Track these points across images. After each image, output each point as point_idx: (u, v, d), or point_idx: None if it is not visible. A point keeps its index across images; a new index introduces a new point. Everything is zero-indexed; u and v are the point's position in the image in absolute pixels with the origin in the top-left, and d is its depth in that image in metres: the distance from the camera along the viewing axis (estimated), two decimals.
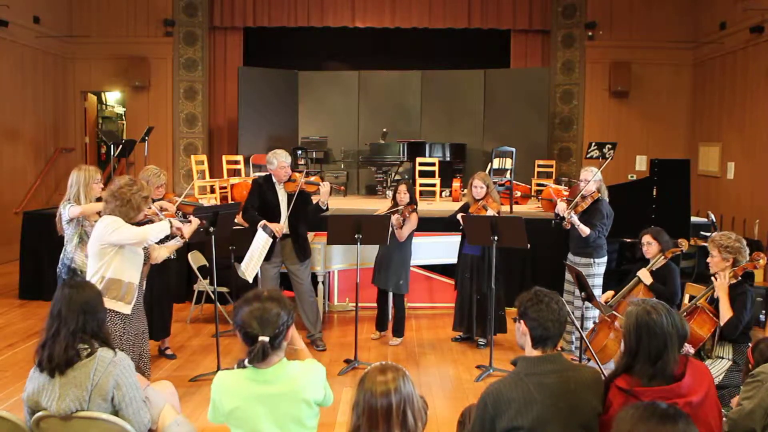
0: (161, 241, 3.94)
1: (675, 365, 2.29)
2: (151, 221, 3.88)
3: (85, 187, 4.56)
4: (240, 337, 2.31)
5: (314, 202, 5.42)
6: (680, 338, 2.33)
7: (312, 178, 5.65)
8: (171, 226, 3.83)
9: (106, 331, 2.73)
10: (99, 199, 4.50)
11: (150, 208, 3.95)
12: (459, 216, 5.42)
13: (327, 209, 5.41)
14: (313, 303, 5.62)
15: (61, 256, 4.61)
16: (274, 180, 5.38)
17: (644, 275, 4.63)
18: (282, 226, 5.29)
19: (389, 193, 5.76)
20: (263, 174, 5.69)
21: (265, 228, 5.06)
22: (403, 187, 5.65)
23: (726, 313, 3.78)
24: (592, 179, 5.26)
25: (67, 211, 4.53)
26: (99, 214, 4.13)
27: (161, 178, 5.00)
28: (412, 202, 5.63)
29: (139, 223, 3.77)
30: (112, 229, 3.54)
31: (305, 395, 2.30)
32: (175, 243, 4.13)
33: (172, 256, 5.09)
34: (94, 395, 2.53)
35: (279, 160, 5.30)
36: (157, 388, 3.12)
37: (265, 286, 5.42)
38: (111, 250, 3.59)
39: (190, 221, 4.15)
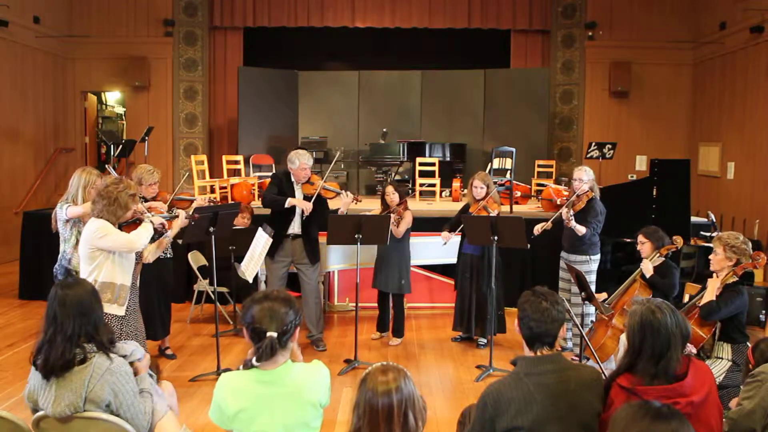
0: (150, 240, 3.93)
1: (677, 365, 2.30)
2: (140, 220, 3.86)
3: (83, 189, 4.51)
4: (247, 335, 2.30)
5: (332, 209, 5.46)
6: (683, 338, 2.34)
7: (331, 185, 5.66)
8: (152, 224, 3.79)
9: (105, 330, 2.64)
10: None
11: (138, 206, 3.91)
12: (443, 234, 5.56)
13: None
14: (318, 304, 5.66)
15: (59, 256, 4.58)
16: (293, 179, 5.39)
17: (646, 267, 4.58)
18: (309, 205, 5.23)
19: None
20: (282, 169, 5.67)
21: (265, 228, 5.07)
22: (390, 189, 5.61)
23: (709, 296, 3.80)
24: (586, 178, 5.30)
25: (64, 212, 4.50)
26: None
27: (154, 176, 4.96)
28: (404, 199, 5.62)
29: (129, 223, 3.75)
30: (101, 234, 3.55)
31: (311, 397, 2.30)
32: (165, 239, 4.12)
33: (168, 255, 5.11)
34: (87, 403, 2.50)
35: (301, 161, 5.31)
36: (161, 392, 3.08)
37: (272, 284, 5.45)
38: (100, 254, 3.60)
39: (176, 216, 4.15)
